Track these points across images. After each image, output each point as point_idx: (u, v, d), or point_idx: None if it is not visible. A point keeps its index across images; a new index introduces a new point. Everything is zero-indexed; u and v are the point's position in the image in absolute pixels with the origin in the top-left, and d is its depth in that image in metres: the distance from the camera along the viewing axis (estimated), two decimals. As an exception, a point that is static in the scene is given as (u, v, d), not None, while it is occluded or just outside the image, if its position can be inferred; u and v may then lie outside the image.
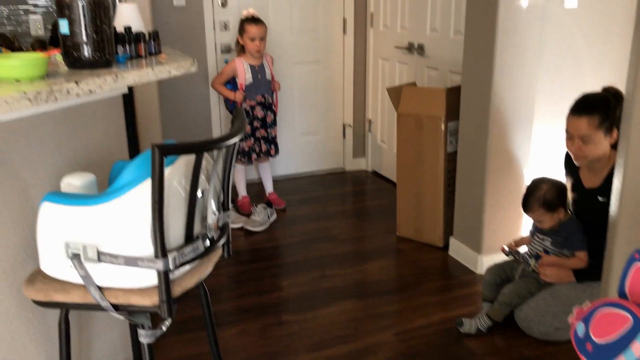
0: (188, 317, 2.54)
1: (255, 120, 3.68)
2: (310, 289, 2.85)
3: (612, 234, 1.68)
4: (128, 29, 1.91)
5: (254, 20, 3.55)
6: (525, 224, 2.93)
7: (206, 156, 1.45)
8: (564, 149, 2.47)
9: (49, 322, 1.72)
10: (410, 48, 3.87)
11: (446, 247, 3.25)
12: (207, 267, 1.53)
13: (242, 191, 3.90)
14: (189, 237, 1.43)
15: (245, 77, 3.61)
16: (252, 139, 3.70)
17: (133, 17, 2.08)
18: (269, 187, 3.98)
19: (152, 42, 2.01)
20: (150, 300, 1.38)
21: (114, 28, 1.80)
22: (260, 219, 3.60)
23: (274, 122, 3.78)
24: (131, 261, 1.34)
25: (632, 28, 1.54)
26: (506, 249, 2.57)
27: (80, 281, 1.39)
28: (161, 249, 1.33)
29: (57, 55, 1.74)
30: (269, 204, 3.73)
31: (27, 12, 3.96)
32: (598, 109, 2.23)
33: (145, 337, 1.45)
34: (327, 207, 3.96)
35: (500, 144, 2.82)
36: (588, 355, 1.16)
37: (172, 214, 1.38)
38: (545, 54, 2.77)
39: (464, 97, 2.97)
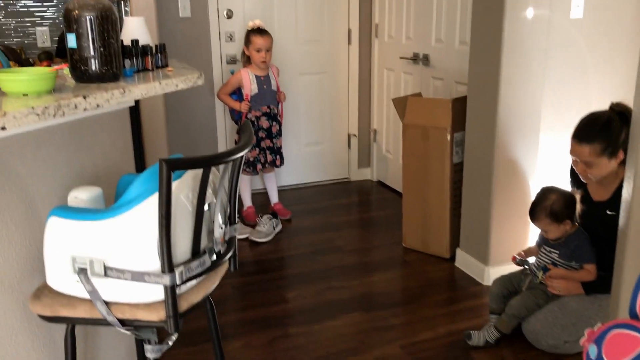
0: (193, 329, 2.53)
1: (261, 130, 3.69)
2: (316, 301, 2.84)
3: (622, 248, 1.67)
4: (135, 42, 1.91)
5: (259, 31, 3.56)
6: (532, 235, 2.92)
7: (213, 169, 1.45)
8: (570, 161, 2.46)
9: (55, 336, 1.71)
10: (415, 58, 3.88)
11: (453, 258, 3.24)
12: (213, 282, 1.53)
13: (247, 201, 3.90)
14: (196, 252, 1.42)
15: (250, 87, 3.62)
16: (258, 150, 3.70)
17: (140, 30, 2.09)
18: (274, 198, 3.98)
19: (159, 55, 2.02)
20: (157, 316, 1.37)
21: (121, 41, 1.80)
22: (266, 229, 3.60)
23: (279, 133, 3.78)
24: (138, 276, 1.33)
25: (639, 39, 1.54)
26: (517, 258, 2.55)
27: (86, 296, 1.38)
28: (168, 264, 1.32)
29: (64, 69, 1.74)
30: (274, 214, 3.73)
31: (34, 24, 3.98)
32: (599, 136, 2.20)
33: (151, 352, 1.45)
34: (333, 217, 3.96)
35: (507, 155, 2.82)
36: (602, 377, 1.15)
37: (179, 228, 1.37)
38: (551, 64, 2.77)
39: (470, 108, 2.96)
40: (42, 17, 4.00)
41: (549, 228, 2.43)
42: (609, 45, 2.85)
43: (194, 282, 1.44)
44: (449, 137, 3.10)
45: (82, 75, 1.65)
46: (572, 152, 2.30)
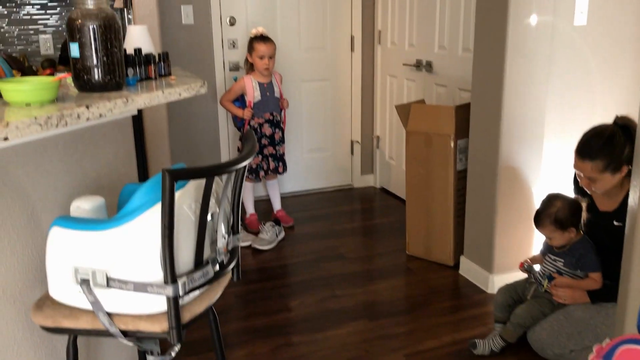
0: (196, 338, 2.52)
1: (264, 137, 3.68)
2: (319, 309, 2.82)
3: (628, 258, 1.65)
4: (138, 51, 1.91)
5: (262, 38, 3.56)
6: (536, 243, 2.90)
7: (216, 179, 1.44)
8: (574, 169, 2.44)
9: (57, 347, 1.70)
10: (418, 65, 3.87)
11: (457, 266, 3.22)
12: (216, 292, 1.52)
13: (250, 209, 3.89)
14: (199, 262, 1.41)
15: (253, 94, 3.61)
16: (260, 157, 3.70)
17: (143, 39, 2.09)
18: (277, 205, 3.97)
19: (162, 63, 2.01)
20: (160, 327, 1.36)
21: (124, 50, 1.80)
22: (269, 237, 3.59)
23: (282, 140, 3.78)
24: (140, 287, 1.32)
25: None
26: (526, 264, 2.53)
27: (89, 307, 1.37)
28: (171, 275, 1.31)
29: (67, 78, 1.74)
30: (277, 221, 3.72)
31: (37, 31, 3.99)
32: (602, 153, 2.19)
33: (154, 363, 1.44)
34: (336, 224, 3.94)
35: (511, 162, 2.80)
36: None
37: (182, 238, 1.36)
38: (554, 71, 2.76)
39: (474, 115, 2.95)
40: (45, 25, 4.01)
41: (553, 235, 2.42)
42: (613, 51, 2.84)
43: (196, 292, 1.43)
44: (452, 144, 3.09)
45: (85, 85, 1.65)
46: (576, 167, 2.29)
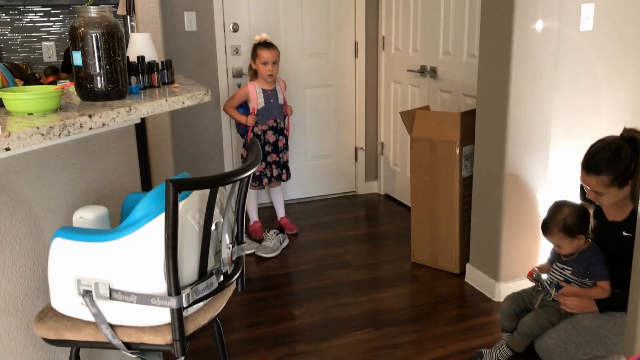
0: (200, 348, 2.49)
1: (267, 144, 3.66)
2: (324, 318, 2.80)
3: (638, 268, 1.63)
4: (141, 59, 1.90)
5: (266, 44, 3.55)
6: (543, 251, 2.87)
7: (220, 188, 1.42)
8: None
9: (59, 358, 1.68)
10: (422, 71, 3.85)
11: (462, 273, 3.19)
12: (220, 303, 1.50)
13: (254, 216, 3.87)
14: (203, 273, 1.40)
15: (257, 101, 3.60)
16: (264, 164, 3.68)
17: (146, 46, 2.07)
18: (280, 212, 3.95)
19: (165, 71, 2.00)
20: (163, 339, 1.34)
21: (127, 58, 1.78)
22: (273, 244, 3.56)
23: (286, 147, 3.76)
24: (144, 299, 1.30)
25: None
26: (534, 273, 2.50)
27: (91, 319, 1.36)
28: (174, 287, 1.29)
29: (70, 87, 1.72)
30: (281, 229, 3.70)
31: (40, 39, 3.99)
32: (607, 168, 2.15)
33: (157, 376, 1.41)
34: (340, 231, 3.92)
35: (517, 168, 2.78)
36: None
37: (186, 249, 1.34)
38: (561, 77, 2.74)
39: (479, 121, 2.93)
40: (49, 32, 4.00)
41: (562, 243, 2.39)
42: (619, 57, 2.82)
43: (201, 304, 1.41)
44: (457, 151, 3.07)
45: (88, 94, 1.64)
46: (582, 180, 2.26)
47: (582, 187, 2.47)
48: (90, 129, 1.43)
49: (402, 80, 4.18)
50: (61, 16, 4.02)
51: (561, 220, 2.36)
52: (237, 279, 1.58)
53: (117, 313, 1.33)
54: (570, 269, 2.39)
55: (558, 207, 2.42)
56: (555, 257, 2.47)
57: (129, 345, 1.36)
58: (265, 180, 3.71)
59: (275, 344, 2.58)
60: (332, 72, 4.42)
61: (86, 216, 1.48)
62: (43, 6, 3.92)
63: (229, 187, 1.46)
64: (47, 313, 1.41)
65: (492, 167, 2.85)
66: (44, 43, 4.00)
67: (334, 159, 4.60)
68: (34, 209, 1.57)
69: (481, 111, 2.91)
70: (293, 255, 3.57)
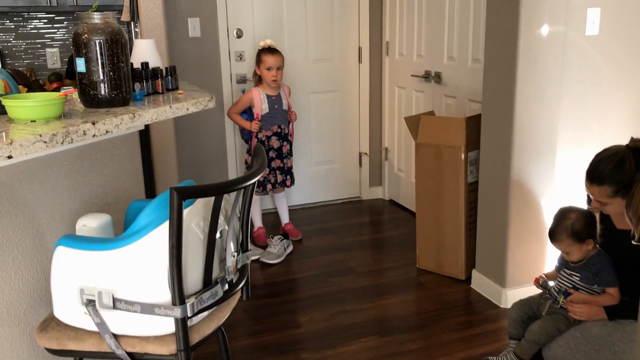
0: (203, 355, 2.47)
1: (271, 150, 3.65)
2: (329, 325, 2.77)
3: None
4: (145, 65, 1.88)
5: (270, 50, 3.54)
6: (549, 257, 2.85)
7: (225, 195, 1.40)
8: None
9: (62, 368, 1.67)
10: (427, 76, 3.84)
11: (468, 279, 3.16)
12: (225, 312, 1.48)
13: (258, 222, 3.85)
14: (208, 282, 1.38)
15: (261, 107, 3.59)
16: (268, 169, 3.66)
17: (150, 52, 2.06)
18: (284, 218, 3.93)
19: (170, 77, 1.99)
20: (167, 349, 1.32)
21: (131, 64, 1.77)
22: (277, 251, 3.54)
23: (290, 153, 3.74)
24: (148, 308, 1.29)
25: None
26: (541, 280, 2.47)
27: (94, 328, 1.34)
28: (179, 296, 1.27)
29: (73, 93, 1.71)
30: (285, 235, 3.68)
31: (44, 45, 3.99)
32: (610, 179, 2.12)
33: (161, 386, 1.39)
34: (344, 237, 3.90)
35: (523, 174, 2.76)
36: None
37: (190, 258, 1.33)
38: (567, 81, 2.72)
39: (485, 127, 2.91)
40: (52, 39, 4.00)
41: (570, 249, 2.36)
42: (626, 61, 2.79)
43: (205, 313, 1.39)
44: (463, 156, 3.05)
45: (92, 100, 1.62)
46: (586, 189, 2.23)
47: (589, 196, 2.44)
48: (94, 136, 1.41)
49: (406, 86, 4.16)
50: (65, 22, 4.02)
51: (569, 226, 2.33)
52: (242, 287, 1.56)
53: (120, 323, 1.32)
54: (578, 275, 2.36)
55: (565, 213, 2.39)
56: (563, 264, 2.44)
57: (132, 356, 1.34)
58: (269, 186, 3.69)
59: (280, 352, 2.55)
60: (336, 78, 4.40)
61: (89, 224, 1.47)
62: (47, 13, 3.93)
63: (233, 194, 1.45)
64: (50, 323, 1.40)
65: (497, 172, 2.83)
66: (48, 49, 4.00)
67: (338, 164, 4.58)
68: (36, 217, 1.55)
69: (487, 116, 2.89)
70: (297, 261, 3.55)
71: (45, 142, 1.28)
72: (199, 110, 1.79)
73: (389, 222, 4.24)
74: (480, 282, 3.06)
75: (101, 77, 1.60)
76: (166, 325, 1.31)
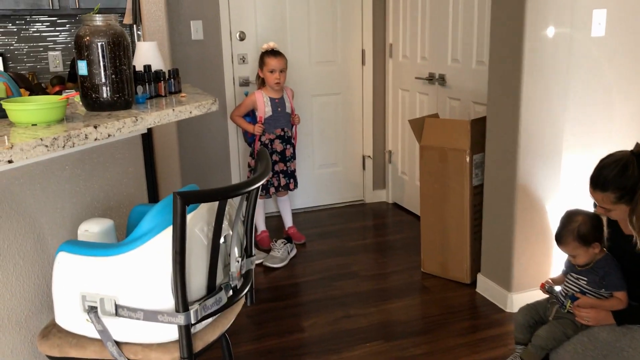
0: (207, 361, 2.45)
1: (274, 154, 3.63)
2: (333, 330, 2.75)
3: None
4: (148, 68, 1.87)
5: (273, 52, 3.52)
6: (556, 260, 2.82)
7: (229, 200, 1.38)
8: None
9: (64, 375, 1.64)
10: (431, 78, 3.81)
11: (473, 283, 3.14)
12: (229, 319, 1.45)
13: (261, 226, 3.83)
14: (211, 288, 1.35)
15: (264, 110, 3.57)
16: (271, 173, 3.64)
17: (152, 55, 2.04)
18: (288, 222, 3.91)
19: (172, 80, 1.97)
20: (171, 357, 1.30)
21: (134, 67, 1.75)
22: (280, 254, 3.52)
23: (293, 156, 3.72)
24: (150, 315, 1.26)
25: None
26: (547, 285, 2.44)
27: (97, 336, 1.32)
28: (182, 303, 1.25)
29: (75, 97, 1.69)
30: (289, 239, 3.65)
31: (46, 48, 3.98)
32: (612, 185, 2.09)
33: (164, 395, 1.37)
34: (348, 241, 3.87)
35: (529, 177, 2.73)
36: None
37: (194, 263, 1.30)
38: (572, 84, 2.69)
39: (490, 129, 2.89)
40: (55, 42, 3.99)
41: (577, 252, 2.33)
42: (632, 63, 2.77)
43: (209, 320, 1.37)
44: (468, 159, 3.02)
45: (93, 104, 1.60)
46: (590, 195, 2.21)
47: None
48: (96, 139, 1.39)
49: (410, 88, 4.14)
50: (67, 26, 4.01)
51: (575, 229, 2.30)
52: (246, 293, 1.53)
53: (123, 330, 1.29)
54: (585, 279, 2.33)
55: (571, 216, 2.36)
56: (570, 268, 2.41)
57: (135, 363, 1.32)
58: (272, 190, 3.67)
59: (284, 357, 2.53)
60: (339, 80, 4.38)
61: (91, 229, 1.45)
62: (49, 16, 3.92)
63: (237, 198, 1.42)
64: (52, 329, 1.37)
65: (503, 175, 2.80)
66: (50, 53, 3.99)
67: (342, 167, 4.56)
68: (38, 222, 1.53)
69: (492, 119, 2.86)
70: (301, 265, 3.52)
71: (47, 146, 1.26)
72: (202, 114, 1.77)
73: (393, 226, 4.21)
74: (485, 286, 3.03)
75: (103, 80, 1.58)
76: (169, 332, 1.28)
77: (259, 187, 1.41)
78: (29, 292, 1.51)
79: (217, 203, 1.30)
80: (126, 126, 1.47)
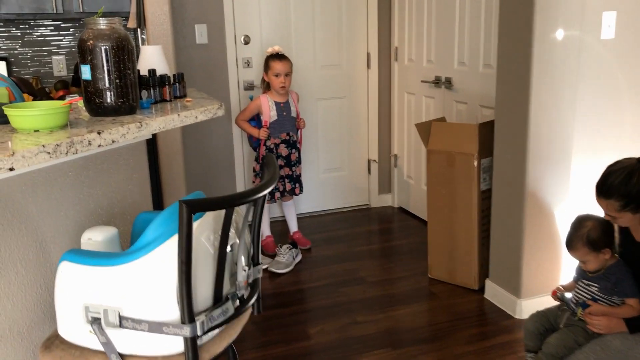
0: (213, 369, 2.41)
1: (280, 158, 3.59)
2: (340, 337, 2.71)
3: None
4: (152, 72, 1.84)
5: (278, 56, 3.49)
6: (565, 266, 2.78)
7: (236, 208, 1.35)
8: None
9: (67, 385, 1.61)
10: (437, 82, 3.78)
11: (482, 289, 3.09)
12: (236, 329, 1.42)
13: (266, 231, 3.80)
14: (218, 298, 1.32)
15: (270, 114, 3.54)
16: (277, 178, 3.60)
17: (157, 59, 2.02)
18: (293, 227, 3.87)
19: (177, 84, 1.94)
20: (176, 369, 1.26)
21: (138, 71, 1.72)
22: (286, 260, 3.49)
23: (299, 160, 3.69)
24: (155, 327, 1.23)
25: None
26: (558, 292, 2.40)
27: (100, 348, 1.28)
28: (188, 314, 1.22)
29: (79, 102, 1.66)
30: (294, 244, 3.62)
31: (50, 52, 3.96)
32: (616, 193, 2.05)
33: (170, 408, 1.33)
34: (354, 246, 3.83)
35: (538, 181, 2.69)
36: None
37: (200, 273, 1.27)
38: (582, 86, 2.66)
39: (498, 133, 2.85)
40: (59, 46, 3.97)
41: (587, 258, 2.29)
42: (643, 66, 2.73)
43: (216, 331, 1.33)
44: (475, 163, 2.98)
45: (97, 109, 1.57)
46: (596, 201, 2.17)
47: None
48: (99, 146, 1.36)
49: (415, 91, 4.11)
50: (71, 30, 3.99)
51: (584, 234, 2.26)
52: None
53: (127, 342, 1.26)
54: (597, 285, 2.29)
55: (581, 221, 2.33)
56: (581, 274, 2.37)
57: (139, 376, 1.29)
58: (277, 195, 3.64)
59: (290, 365, 2.49)
60: (344, 84, 4.35)
61: (95, 237, 1.42)
62: (53, 20, 3.90)
63: (245, 207, 1.39)
64: (54, 341, 1.34)
65: (512, 180, 2.76)
66: (54, 57, 3.97)
67: (347, 171, 4.52)
68: (40, 230, 1.50)
69: (500, 123, 2.83)
70: (307, 270, 3.49)
71: (49, 153, 1.23)
72: (208, 119, 1.73)
73: (399, 230, 4.17)
74: (494, 292, 2.99)
75: (107, 84, 1.55)
76: (175, 344, 1.25)
77: (266, 194, 1.37)
78: (31, 302, 1.48)
79: (223, 210, 1.26)
80: (130, 132, 1.44)
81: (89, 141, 1.33)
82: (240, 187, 4.21)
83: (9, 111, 1.39)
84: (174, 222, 1.23)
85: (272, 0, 4.04)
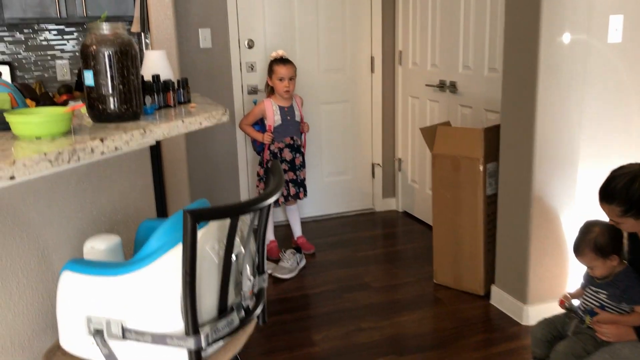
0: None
1: (284, 162, 3.57)
2: (344, 344, 2.68)
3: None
4: (156, 78, 1.81)
5: (282, 60, 3.48)
6: (572, 272, 2.74)
7: (241, 216, 1.32)
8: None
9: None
10: (441, 86, 3.75)
11: (487, 295, 3.06)
12: (241, 340, 1.39)
13: (270, 235, 3.77)
14: (223, 309, 1.29)
15: (274, 118, 3.52)
16: (280, 182, 3.58)
17: (161, 64, 1.99)
18: (297, 231, 3.85)
19: (181, 90, 1.92)
20: (180, 381, 1.24)
21: (142, 77, 1.70)
22: (289, 265, 3.46)
23: (303, 165, 3.67)
24: (159, 339, 1.21)
25: None
26: (566, 302, 2.37)
27: None
28: (192, 325, 1.19)
29: (82, 108, 1.64)
30: (298, 249, 3.59)
31: (54, 57, 3.95)
32: (618, 198, 2.03)
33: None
34: (358, 251, 3.81)
35: (544, 186, 2.66)
36: None
37: (205, 283, 1.25)
38: (589, 91, 2.63)
39: (504, 138, 2.82)
40: (62, 51, 3.96)
41: (594, 264, 2.26)
42: (650, 70, 2.70)
43: (220, 343, 1.31)
44: (481, 168, 2.96)
45: (100, 115, 1.55)
46: (600, 206, 2.14)
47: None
48: (102, 153, 1.34)
49: (420, 95, 4.08)
50: (75, 34, 3.98)
51: (592, 240, 2.24)
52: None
53: (130, 354, 1.24)
54: (605, 292, 2.26)
55: (589, 227, 2.30)
56: (589, 281, 2.34)
57: (143, 388, 1.26)
58: (281, 199, 3.62)
59: (295, 373, 2.47)
60: (348, 88, 4.33)
61: (97, 246, 1.39)
62: (57, 24, 3.89)
63: (250, 216, 1.37)
64: (56, 352, 1.32)
65: (518, 184, 2.74)
66: (58, 61, 3.96)
67: (351, 175, 4.50)
68: (42, 238, 1.48)
69: (506, 127, 2.80)
70: (311, 276, 3.46)
71: (51, 161, 1.21)
72: (213, 125, 1.71)
73: (404, 235, 4.15)
74: (500, 298, 2.96)
75: (110, 90, 1.53)
76: (179, 356, 1.22)
77: (271, 203, 1.35)
78: (33, 312, 1.46)
79: (228, 219, 1.24)
80: (134, 139, 1.42)
81: (92, 148, 1.31)
82: (244, 192, 4.19)
83: (10, 118, 1.37)
84: (178, 231, 1.21)
85: (276, 4, 4.02)
